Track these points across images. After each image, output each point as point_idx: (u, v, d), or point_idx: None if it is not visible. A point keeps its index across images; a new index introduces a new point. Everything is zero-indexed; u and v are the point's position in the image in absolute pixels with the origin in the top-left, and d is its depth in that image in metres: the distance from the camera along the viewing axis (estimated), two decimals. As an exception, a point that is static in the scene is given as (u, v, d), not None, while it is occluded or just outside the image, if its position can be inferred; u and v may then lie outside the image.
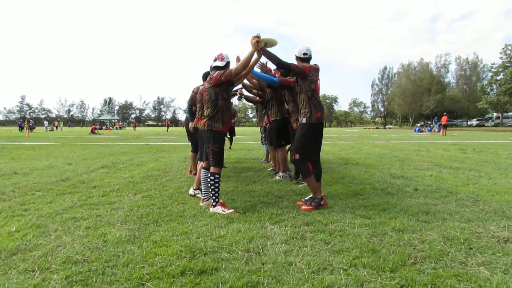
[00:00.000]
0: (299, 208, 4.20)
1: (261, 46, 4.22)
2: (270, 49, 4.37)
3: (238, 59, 4.88)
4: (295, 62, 4.43)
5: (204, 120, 4.25)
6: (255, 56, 4.31)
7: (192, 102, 5.75)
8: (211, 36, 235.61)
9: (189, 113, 5.99)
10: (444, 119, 29.80)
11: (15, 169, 7.56)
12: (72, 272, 2.46)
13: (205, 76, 5.79)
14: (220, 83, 4.18)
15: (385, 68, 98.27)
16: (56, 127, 54.76)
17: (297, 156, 4.27)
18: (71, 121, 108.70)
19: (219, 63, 4.34)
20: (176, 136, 15.19)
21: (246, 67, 4.24)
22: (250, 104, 9.36)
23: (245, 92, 6.95)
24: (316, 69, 4.36)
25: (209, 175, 4.22)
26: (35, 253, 2.81)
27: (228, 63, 4.38)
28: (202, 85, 5.05)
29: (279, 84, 5.15)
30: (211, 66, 4.49)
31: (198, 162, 5.03)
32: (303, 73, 4.25)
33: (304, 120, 4.29)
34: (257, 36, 4.17)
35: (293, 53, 4.55)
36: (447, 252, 2.79)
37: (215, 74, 4.23)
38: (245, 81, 6.25)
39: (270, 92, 6.18)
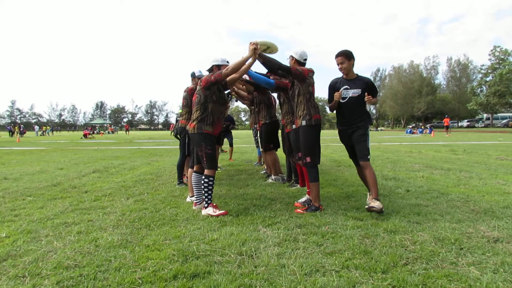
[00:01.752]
0: (292, 210, 4.21)
1: (260, 52, 4.25)
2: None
3: None
4: (286, 62, 4.46)
5: (194, 123, 4.24)
6: (250, 60, 4.33)
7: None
8: (204, 39, 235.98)
9: None
10: (446, 121, 34.73)
11: (5, 174, 7.47)
12: (63, 278, 2.44)
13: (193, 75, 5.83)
14: (210, 85, 4.20)
15: (378, 70, 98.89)
16: (44, 132, 53.77)
17: (308, 159, 4.26)
18: (62, 125, 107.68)
19: (208, 66, 4.57)
20: (169, 140, 15.15)
21: (237, 70, 4.23)
22: (243, 107, 9.40)
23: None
24: (313, 72, 4.39)
25: (204, 177, 4.21)
26: (25, 259, 2.78)
27: (215, 66, 4.50)
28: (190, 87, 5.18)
29: (275, 86, 5.14)
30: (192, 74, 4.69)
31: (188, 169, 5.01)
32: (302, 76, 4.26)
33: (304, 123, 4.27)
34: (255, 43, 4.18)
35: (287, 55, 4.57)
36: (438, 253, 2.81)
37: (204, 77, 4.29)
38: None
39: (258, 96, 6.20)
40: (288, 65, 4.42)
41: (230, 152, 10.66)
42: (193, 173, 4.58)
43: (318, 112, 4.36)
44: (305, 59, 4.49)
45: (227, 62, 4.56)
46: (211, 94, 4.21)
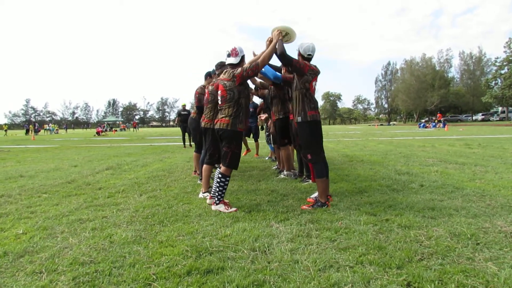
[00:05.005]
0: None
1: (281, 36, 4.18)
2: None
3: (254, 54, 4.83)
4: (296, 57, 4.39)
5: (227, 118, 4.12)
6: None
7: (200, 103, 5.75)
8: (213, 35, 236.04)
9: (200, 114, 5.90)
10: (439, 116, 38.54)
11: (21, 172, 7.61)
12: (79, 273, 2.48)
13: (208, 75, 5.78)
14: (246, 79, 4.11)
15: (389, 64, 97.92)
16: (46, 130, 54.10)
17: (309, 156, 4.22)
18: (76, 123, 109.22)
19: (233, 60, 4.25)
20: (180, 137, 15.19)
21: (271, 58, 4.16)
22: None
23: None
24: (314, 71, 4.26)
25: (220, 175, 4.16)
26: (42, 255, 2.83)
27: (243, 57, 4.30)
28: (212, 84, 4.97)
29: (282, 80, 5.09)
30: (219, 64, 4.41)
31: (204, 164, 4.97)
32: (301, 71, 4.17)
33: (299, 119, 4.21)
34: (278, 30, 4.16)
35: (295, 49, 4.51)
36: (454, 248, 2.77)
37: (238, 71, 4.08)
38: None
39: (274, 90, 6.16)
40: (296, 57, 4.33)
41: (257, 147, 10.70)
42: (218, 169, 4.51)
43: (315, 108, 4.24)
44: (309, 55, 4.34)
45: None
46: (243, 89, 4.16)
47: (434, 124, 39.22)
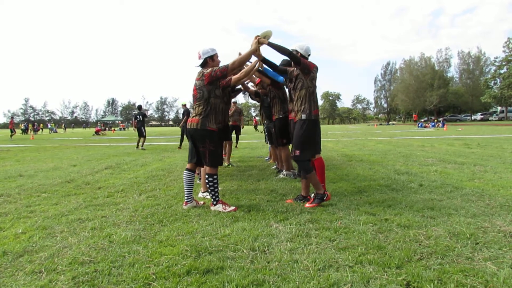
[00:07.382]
0: (303, 205, 4.19)
1: (267, 41, 4.22)
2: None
3: (239, 55, 4.81)
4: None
5: (197, 118, 4.09)
6: (254, 60, 4.29)
7: None
8: (213, 34, 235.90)
9: None
10: (415, 116, 42.22)
11: (20, 171, 7.60)
12: (78, 273, 2.47)
13: None
14: (215, 79, 4.06)
15: (388, 63, 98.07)
16: (42, 129, 54.43)
17: (297, 153, 4.25)
18: (75, 122, 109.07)
19: (199, 62, 4.23)
20: (179, 136, 15.12)
21: (243, 64, 4.20)
22: (253, 102, 9.39)
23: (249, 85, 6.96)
24: (317, 68, 4.40)
25: (207, 176, 4.14)
26: (41, 255, 2.82)
27: (206, 59, 4.18)
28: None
29: (283, 83, 5.11)
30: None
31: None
32: (308, 69, 4.27)
33: (303, 116, 4.25)
34: (258, 36, 4.22)
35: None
36: (453, 248, 2.77)
37: (208, 71, 4.07)
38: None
39: (273, 90, 6.17)
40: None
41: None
42: (185, 171, 4.40)
43: (318, 107, 4.39)
44: (309, 55, 4.47)
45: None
46: (214, 89, 4.10)
47: (433, 123, 39.30)
